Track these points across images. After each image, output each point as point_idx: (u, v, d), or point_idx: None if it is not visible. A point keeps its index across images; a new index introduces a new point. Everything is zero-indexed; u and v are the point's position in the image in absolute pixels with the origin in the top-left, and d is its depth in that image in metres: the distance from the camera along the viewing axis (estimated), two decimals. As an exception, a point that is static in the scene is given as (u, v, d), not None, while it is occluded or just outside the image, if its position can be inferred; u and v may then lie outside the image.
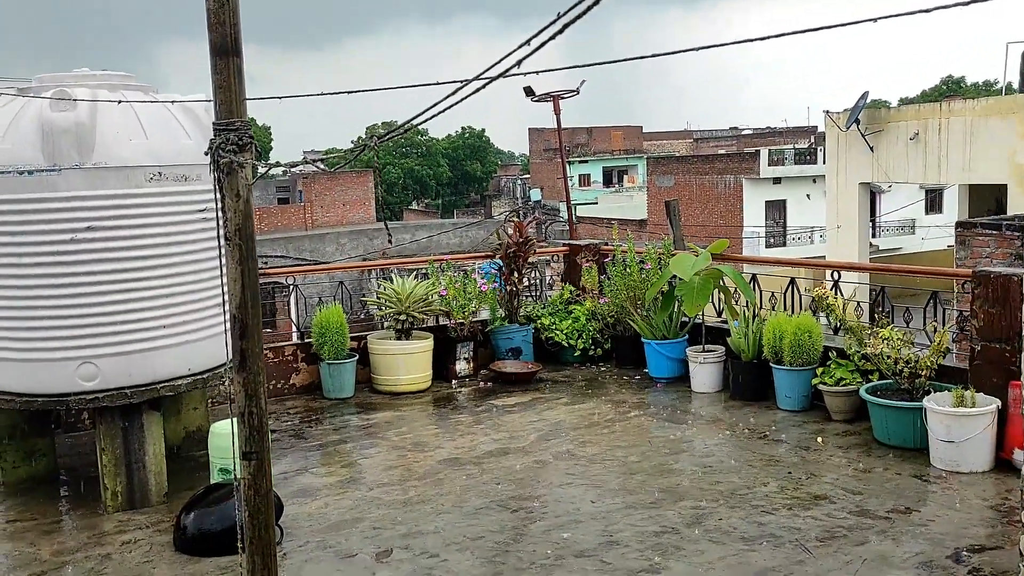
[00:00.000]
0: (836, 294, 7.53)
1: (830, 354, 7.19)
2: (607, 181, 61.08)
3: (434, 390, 8.51)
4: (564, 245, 10.60)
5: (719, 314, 8.83)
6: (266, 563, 3.30)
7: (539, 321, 9.29)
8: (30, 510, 5.79)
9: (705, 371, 8.05)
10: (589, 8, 1.92)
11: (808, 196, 35.51)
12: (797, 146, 42.98)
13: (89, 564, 4.97)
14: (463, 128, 72.83)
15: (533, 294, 10.32)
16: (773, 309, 8.20)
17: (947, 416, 5.89)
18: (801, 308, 8.25)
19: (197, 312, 5.82)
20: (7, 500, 5.99)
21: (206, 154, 3.11)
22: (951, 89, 66.90)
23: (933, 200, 37.32)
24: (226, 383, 5.61)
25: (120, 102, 5.41)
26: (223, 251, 3.17)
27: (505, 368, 8.78)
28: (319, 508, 5.65)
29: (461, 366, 8.85)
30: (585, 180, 60.03)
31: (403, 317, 8.49)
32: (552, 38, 2.06)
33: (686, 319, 8.58)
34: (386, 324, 8.98)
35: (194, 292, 5.80)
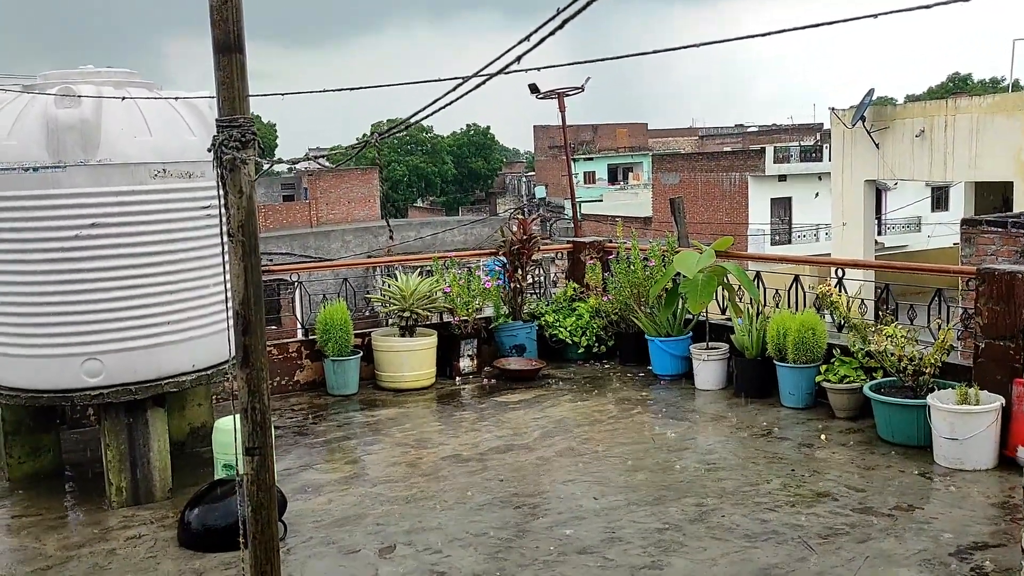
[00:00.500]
0: (840, 291, 7.52)
1: (834, 351, 7.18)
2: (612, 178, 61.01)
3: (438, 387, 8.53)
4: (568, 242, 10.59)
5: (723, 311, 8.82)
6: (269, 559, 3.31)
7: (543, 318, 9.30)
8: (35, 505, 5.82)
9: (709, 368, 8.05)
10: (588, 3, 1.93)
11: (817, 195, 35.34)
12: (803, 143, 42.88)
13: (94, 559, 4.99)
14: (468, 125, 72.82)
15: (537, 291, 10.32)
16: (777, 306, 8.20)
17: (951, 413, 5.88)
18: (805, 305, 8.24)
19: (201, 308, 5.84)
20: (13, 495, 6.02)
21: (209, 151, 3.11)
22: (958, 86, 66.69)
23: (939, 197, 37.18)
24: (230, 379, 5.63)
25: (124, 99, 5.42)
26: (226, 247, 3.17)
27: (509, 365, 8.79)
28: (323, 504, 5.67)
29: (465, 363, 8.87)
30: (590, 177, 59.95)
31: (407, 314, 8.51)
32: (552, 34, 2.06)
33: (690, 316, 8.57)
34: (390, 321, 9.01)
35: (198, 289, 5.81)
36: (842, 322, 7.26)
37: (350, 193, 44.10)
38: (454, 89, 2.50)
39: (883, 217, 35.44)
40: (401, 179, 65.00)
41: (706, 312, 8.22)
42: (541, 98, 12.44)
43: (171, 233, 5.66)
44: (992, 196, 20.68)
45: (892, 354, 6.56)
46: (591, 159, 61.62)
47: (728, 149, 49.80)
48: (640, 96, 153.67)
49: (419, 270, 9.56)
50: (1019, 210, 16.84)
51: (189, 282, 5.76)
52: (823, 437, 6.60)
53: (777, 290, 8.52)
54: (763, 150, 38.08)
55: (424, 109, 2.64)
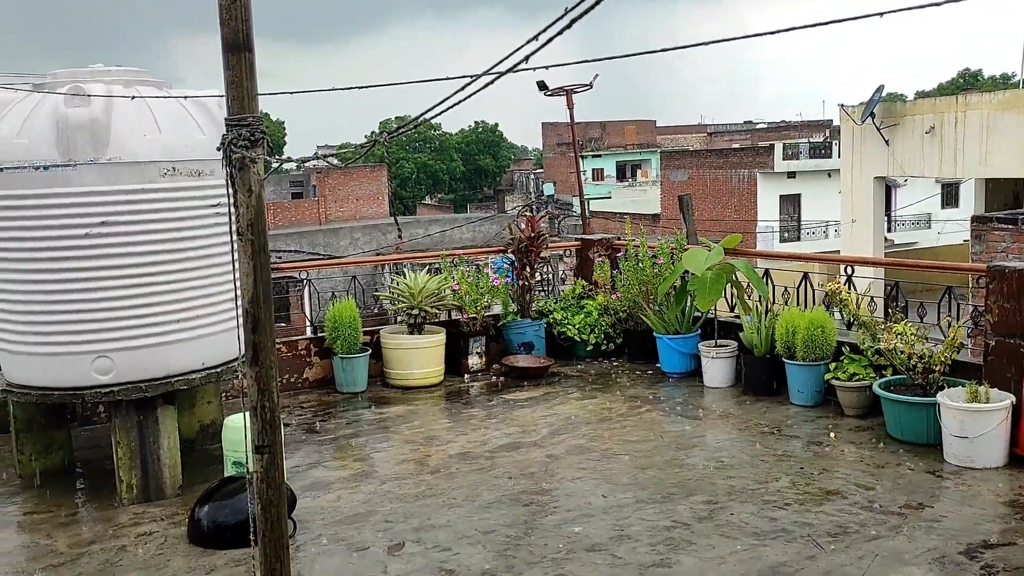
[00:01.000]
0: (849, 289, 7.50)
1: (843, 349, 7.16)
2: (620, 175, 60.96)
3: (446, 384, 8.54)
4: (576, 240, 10.58)
5: (732, 309, 8.81)
6: (279, 556, 3.32)
7: (551, 316, 9.30)
8: (46, 502, 5.85)
9: (717, 366, 8.04)
10: (596, 2, 1.93)
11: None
12: (812, 140, 42.74)
13: (104, 556, 5.02)
14: (476, 123, 72.85)
15: (545, 289, 10.32)
16: (786, 304, 8.18)
17: (961, 412, 5.86)
18: (814, 303, 8.22)
19: (211, 307, 5.86)
20: (24, 492, 6.05)
21: (218, 149, 3.12)
22: (968, 82, 66.31)
23: (949, 194, 37.00)
24: (239, 377, 5.65)
25: (134, 98, 5.45)
26: (235, 246, 3.18)
27: (517, 363, 8.79)
28: (332, 501, 5.68)
29: (473, 360, 8.87)
30: (598, 174, 59.94)
31: (415, 312, 8.52)
32: (560, 33, 2.06)
33: (698, 314, 8.56)
34: (399, 319, 9.01)
35: (207, 287, 5.83)
36: (851, 320, 7.24)
37: (359, 190, 44.19)
38: (463, 88, 2.50)
39: (893, 214, 35.29)
40: (410, 176, 65.08)
41: (715, 310, 8.22)
42: (550, 95, 12.41)
43: (180, 231, 5.68)
44: (997, 195, 20.58)
45: (902, 352, 6.54)
46: (599, 156, 61.58)
47: (737, 146, 49.68)
48: (647, 94, 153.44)
49: (427, 267, 9.57)
50: (1030, 207, 16.75)
51: (198, 280, 5.78)
52: (832, 435, 6.58)
53: (786, 287, 8.50)
54: (772, 147, 37.98)
55: (434, 108, 2.64)
